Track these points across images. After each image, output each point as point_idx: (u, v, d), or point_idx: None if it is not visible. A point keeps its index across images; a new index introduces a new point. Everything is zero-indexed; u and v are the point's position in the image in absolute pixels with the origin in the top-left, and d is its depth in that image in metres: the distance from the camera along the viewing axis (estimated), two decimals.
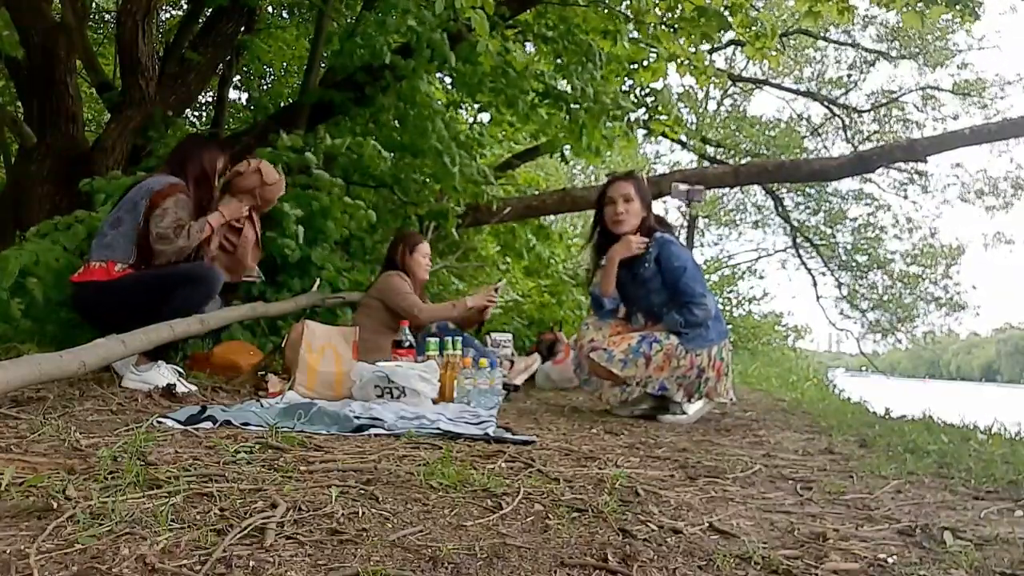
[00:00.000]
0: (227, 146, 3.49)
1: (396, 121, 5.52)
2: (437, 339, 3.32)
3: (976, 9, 5.57)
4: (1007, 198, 15.49)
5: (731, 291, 19.54)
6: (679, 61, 5.73)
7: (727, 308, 18.10)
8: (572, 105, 5.69)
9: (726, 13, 5.67)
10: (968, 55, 33.45)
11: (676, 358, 3.04)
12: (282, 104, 7.18)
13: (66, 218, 3.56)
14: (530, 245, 7.36)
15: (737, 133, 16.44)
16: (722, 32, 5.62)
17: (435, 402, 2.89)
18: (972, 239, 19.23)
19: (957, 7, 5.43)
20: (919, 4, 5.47)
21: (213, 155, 3.17)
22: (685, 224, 19.87)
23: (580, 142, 5.84)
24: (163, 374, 2.73)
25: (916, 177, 15.47)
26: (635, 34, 5.87)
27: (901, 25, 14.19)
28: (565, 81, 5.79)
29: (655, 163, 18.88)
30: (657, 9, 5.54)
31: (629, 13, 5.58)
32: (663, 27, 5.41)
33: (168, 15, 8.46)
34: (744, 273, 20.52)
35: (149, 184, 2.99)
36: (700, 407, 3.17)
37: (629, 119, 6.00)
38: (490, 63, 4.91)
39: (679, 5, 5.52)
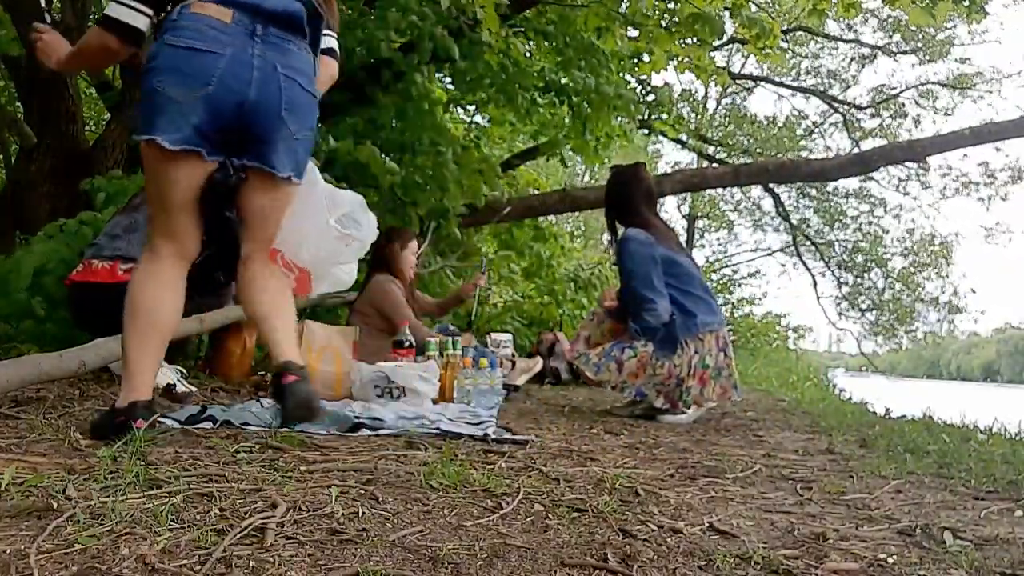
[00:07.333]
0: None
1: (395, 120, 5.49)
2: (437, 339, 3.32)
3: (984, 6, 5.55)
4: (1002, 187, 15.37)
5: (731, 292, 19.56)
6: (679, 59, 5.72)
7: (727, 309, 18.06)
8: (574, 98, 5.64)
9: (725, 14, 5.64)
10: (968, 49, 33.43)
11: (651, 366, 2.99)
12: None
13: (72, 221, 3.55)
14: (530, 247, 7.36)
15: (737, 132, 16.43)
16: (718, 37, 5.60)
17: (435, 402, 2.89)
18: (972, 232, 19.17)
19: (964, 3, 5.40)
20: (927, 1, 5.43)
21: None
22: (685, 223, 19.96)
23: (583, 137, 5.77)
24: (164, 373, 2.73)
25: (915, 174, 15.44)
26: (634, 33, 5.86)
27: (905, 20, 14.11)
28: (566, 79, 5.77)
29: (655, 163, 18.89)
30: (655, 11, 5.54)
31: (626, 13, 5.58)
32: (660, 28, 5.39)
33: None
34: (746, 277, 20.55)
35: None
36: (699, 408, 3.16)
37: (632, 110, 5.93)
38: (495, 58, 4.90)
39: (676, 6, 5.51)
